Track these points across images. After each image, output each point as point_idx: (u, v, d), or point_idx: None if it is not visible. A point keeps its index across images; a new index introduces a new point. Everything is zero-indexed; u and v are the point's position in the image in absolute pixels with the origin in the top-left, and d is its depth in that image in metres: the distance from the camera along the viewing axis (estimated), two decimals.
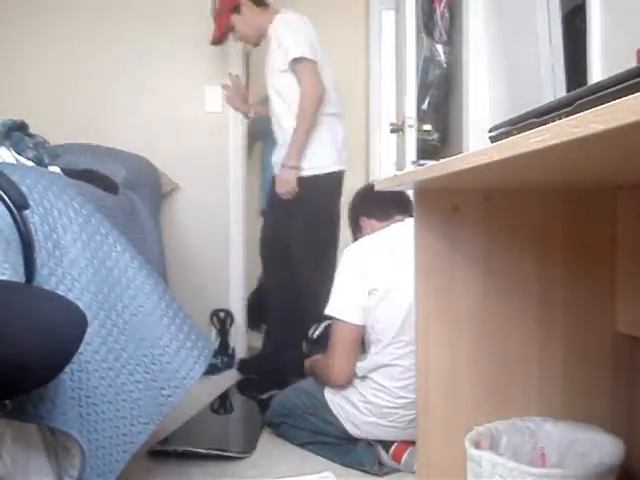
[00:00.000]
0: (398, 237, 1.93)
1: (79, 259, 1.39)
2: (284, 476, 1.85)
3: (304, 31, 2.71)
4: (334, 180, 2.76)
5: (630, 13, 1.63)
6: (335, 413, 1.99)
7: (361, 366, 1.95)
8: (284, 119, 2.75)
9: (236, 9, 2.83)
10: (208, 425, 2.32)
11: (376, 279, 1.90)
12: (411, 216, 1.90)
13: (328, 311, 1.98)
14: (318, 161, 2.71)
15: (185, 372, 1.50)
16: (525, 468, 1.10)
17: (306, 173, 2.70)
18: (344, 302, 1.94)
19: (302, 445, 2.08)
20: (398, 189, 1.65)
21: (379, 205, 2.14)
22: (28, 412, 1.08)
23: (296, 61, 2.63)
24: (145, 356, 1.45)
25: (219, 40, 2.98)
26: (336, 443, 2.00)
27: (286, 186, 2.69)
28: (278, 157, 2.80)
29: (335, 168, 2.75)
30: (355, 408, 1.94)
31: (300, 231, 2.75)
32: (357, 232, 2.24)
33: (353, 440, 1.97)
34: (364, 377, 1.95)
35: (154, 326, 1.49)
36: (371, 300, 1.90)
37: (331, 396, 2.01)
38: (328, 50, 2.80)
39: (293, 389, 2.21)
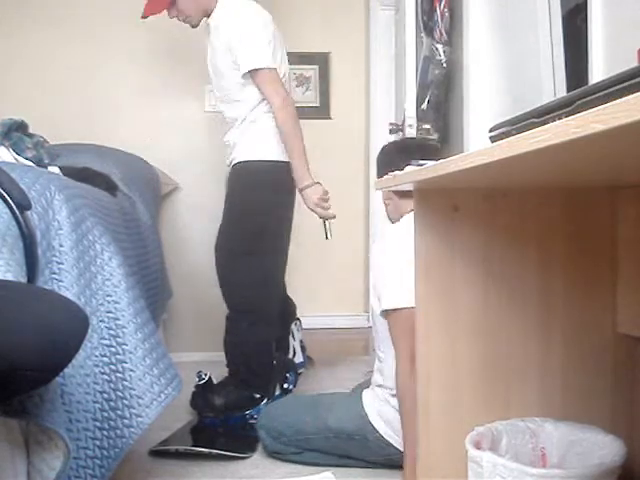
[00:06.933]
0: None
1: (69, 261, 1.39)
2: (285, 476, 1.85)
3: (257, 26, 2.35)
4: (278, 170, 2.43)
5: (631, 12, 1.63)
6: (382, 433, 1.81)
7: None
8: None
9: None
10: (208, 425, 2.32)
11: None
12: None
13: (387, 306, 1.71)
14: (261, 150, 2.42)
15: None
16: (526, 468, 1.10)
17: (246, 158, 2.44)
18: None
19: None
20: (397, 189, 1.63)
21: None
22: (15, 408, 1.08)
23: (254, 72, 2.32)
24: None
25: (150, 14, 2.58)
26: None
27: (315, 201, 2.40)
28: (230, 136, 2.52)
29: (282, 158, 2.41)
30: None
31: (226, 217, 2.56)
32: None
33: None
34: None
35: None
36: None
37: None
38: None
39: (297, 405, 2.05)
